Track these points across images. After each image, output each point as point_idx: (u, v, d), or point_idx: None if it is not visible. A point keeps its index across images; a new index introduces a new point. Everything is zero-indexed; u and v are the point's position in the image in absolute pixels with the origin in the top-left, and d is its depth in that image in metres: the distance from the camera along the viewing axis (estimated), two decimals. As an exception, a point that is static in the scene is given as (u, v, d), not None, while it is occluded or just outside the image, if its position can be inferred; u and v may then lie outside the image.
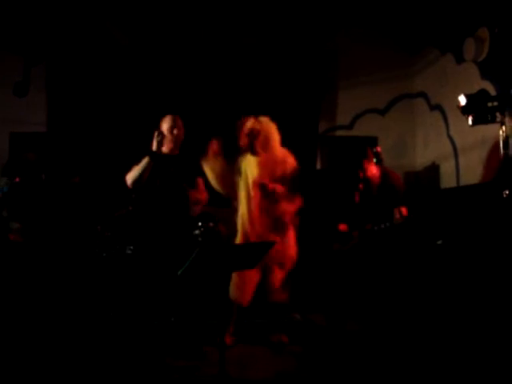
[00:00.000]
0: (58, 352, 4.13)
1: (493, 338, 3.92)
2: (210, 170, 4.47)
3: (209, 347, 4.11)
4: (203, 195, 4.40)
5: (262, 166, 4.40)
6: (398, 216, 4.39)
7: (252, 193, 4.39)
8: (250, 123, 4.46)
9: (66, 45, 6.46)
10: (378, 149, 4.77)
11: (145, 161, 4.13)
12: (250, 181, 4.42)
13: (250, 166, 4.48)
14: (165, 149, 4.33)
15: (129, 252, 5.17)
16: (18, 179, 5.10)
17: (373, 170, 4.72)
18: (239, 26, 6.40)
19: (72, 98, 6.47)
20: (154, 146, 4.10)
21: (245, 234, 4.39)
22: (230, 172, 4.51)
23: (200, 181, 4.41)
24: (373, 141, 6.44)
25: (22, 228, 5.20)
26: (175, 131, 4.31)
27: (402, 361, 3.83)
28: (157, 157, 4.13)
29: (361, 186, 4.72)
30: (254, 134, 4.42)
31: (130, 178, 4.22)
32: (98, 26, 6.39)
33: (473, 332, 4.17)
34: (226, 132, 4.54)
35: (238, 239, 4.43)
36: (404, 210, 4.41)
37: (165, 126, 4.34)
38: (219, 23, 6.40)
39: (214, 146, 4.47)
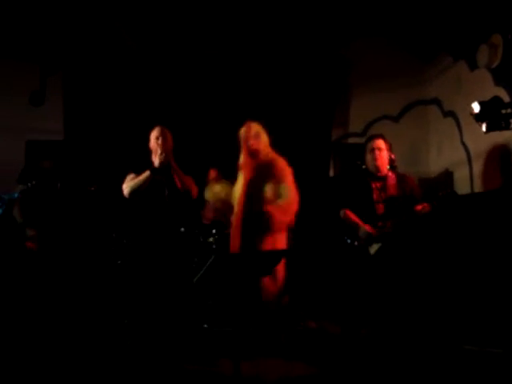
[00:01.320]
0: (72, 356, 4.17)
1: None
2: (213, 195, 4.53)
3: (222, 356, 4.12)
4: (194, 187, 4.43)
5: (262, 167, 4.43)
6: (421, 210, 4.38)
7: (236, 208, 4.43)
8: (255, 126, 4.52)
9: (81, 53, 6.54)
10: (392, 155, 4.78)
11: (145, 175, 4.22)
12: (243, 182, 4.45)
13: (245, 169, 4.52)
14: (154, 159, 4.42)
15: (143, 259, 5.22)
16: (31, 184, 5.15)
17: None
18: (254, 34, 6.43)
19: (88, 106, 6.54)
20: (156, 163, 4.16)
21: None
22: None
23: (190, 178, 4.44)
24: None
25: (38, 235, 5.26)
26: (160, 141, 4.36)
27: (421, 373, 3.80)
28: (157, 172, 4.17)
29: (378, 183, 4.68)
30: (258, 137, 4.47)
31: (127, 188, 4.32)
32: (113, 35, 6.47)
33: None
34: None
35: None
36: (426, 206, 4.41)
37: (152, 136, 4.44)
38: (234, 29, 6.43)
39: (213, 174, 4.54)
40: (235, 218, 4.41)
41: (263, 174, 4.40)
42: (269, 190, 4.34)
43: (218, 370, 3.92)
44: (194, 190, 4.40)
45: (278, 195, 4.33)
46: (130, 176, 4.38)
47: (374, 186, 4.66)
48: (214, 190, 4.56)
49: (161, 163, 4.31)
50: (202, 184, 4.64)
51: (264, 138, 4.50)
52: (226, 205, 4.56)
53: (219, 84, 6.52)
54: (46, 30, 6.35)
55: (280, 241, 4.35)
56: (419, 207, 4.42)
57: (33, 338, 4.59)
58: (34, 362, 4.00)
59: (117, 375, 3.83)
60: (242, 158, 4.55)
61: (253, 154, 4.50)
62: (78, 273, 5.62)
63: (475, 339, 4.26)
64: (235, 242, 4.35)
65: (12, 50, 6.47)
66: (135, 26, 6.47)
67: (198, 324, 4.47)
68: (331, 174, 6.73)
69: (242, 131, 4.53)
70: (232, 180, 4.57)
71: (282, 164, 4.46)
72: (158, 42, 6.55)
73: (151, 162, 4.45)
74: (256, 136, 4.49)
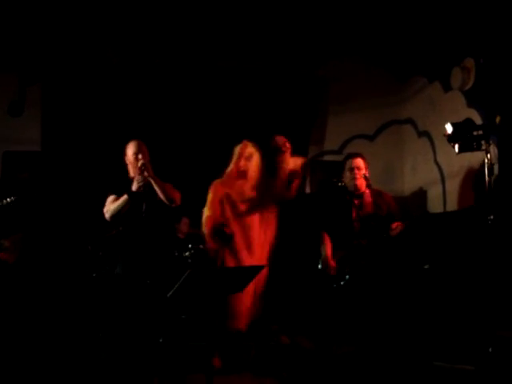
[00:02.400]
0: (43, 367, 4.14)
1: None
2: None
3: (194, 372, 4.12)
4: (177, 194, 4.40)
5: (256, 189, 4.53)
6: (394, 230, 4.45)
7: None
8: (249, 147, 4.62)
9: (60, 64, 6.52)
10: (366, 172, 4.83)
11: (123, 199, 4.18)
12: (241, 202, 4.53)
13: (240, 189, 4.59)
14: (131, 174, 4.38)
15: (118, 272, 5.21)
16: (10, 200, 5.11)
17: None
18: (230, 52, 6.50)
19: (66, 117, 6.51)
20: (135, 187, 4.17)
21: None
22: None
23: (170, 185, 4.43)
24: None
25: (11, 246, 5.22)
26: (140, 156, 4.31)
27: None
28: (135, 196, 4.18)
29: (356, 201, 4.73)
30: (250, 159, 4.55)
31: (108, 212, 4.27)
32: (92, 46, 6.48)
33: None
34: (217, 156, 4.66)
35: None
36: (399, 225, 4.48)
37: (129, 152, 4.37)
38: (209, 48, 6.50)
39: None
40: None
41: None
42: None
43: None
44: (177, 197, 4.39)
45: None
46: (110, 198, 4.34)
47: (352, 204, 4.71)
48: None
49: (143, 182, 4.28)
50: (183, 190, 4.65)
51: (255, 161, 4.59)
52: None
53: (198, 100, 6.55)
54: (26, 40, 6.35)
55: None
56: (393, 225, 4.49)
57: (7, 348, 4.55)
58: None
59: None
60: (229, 174, 4.64)
61: (240, 174, 4.58)
62: (53, 285, 5.58)
63: (446, 356, 4.32)
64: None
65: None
66: (116, 39, 6.50)
67: (168, 338, 4.46)
68: (307, 190, 6.79)
69: (238, 148, 4.62)
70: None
71: None
72: (139, 55, 6.59)
73: (128, 177, 4.44)
74: (248, 157, 4.58)
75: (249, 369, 4.31)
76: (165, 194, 4.26)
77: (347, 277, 4.45)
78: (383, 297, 4.57)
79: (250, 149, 4.63)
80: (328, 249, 4.64)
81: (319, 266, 4.64)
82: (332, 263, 4.54)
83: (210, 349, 4.14)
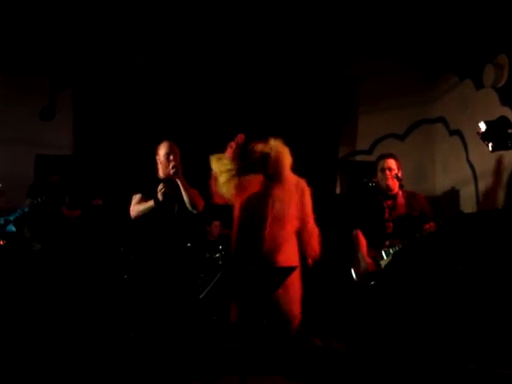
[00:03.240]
0: (79, 368, 4.18)
1: None
2: (222, 170, 4.51)
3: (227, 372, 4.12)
4: (200, 201, 4.42)
5: (279, 189, 4.46)
6: (427, 230, 4.41)
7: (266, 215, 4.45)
8: (260, 146, 4.54)
9: (91, 69, 6.61)
10: (399, 173, 4.79)
11: (149, 204, 4.22)
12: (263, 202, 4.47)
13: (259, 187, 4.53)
14: (161, 174, 4.42)
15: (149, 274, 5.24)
16: (40, 200, 5.19)
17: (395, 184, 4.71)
18: (259, 53, 6.50)
19: (97, 121, 6.60)
20: (160, 196, 4.19)
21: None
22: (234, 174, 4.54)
23: (196, 192, 4.44)
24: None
25: (43, 249, 5.30)
26: (171, 157, 4.36)
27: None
28: (160, 204, 4.20)
29: (389, 202, 4.70)
30: (265, 158, 4.49)
31: (133, 212, 4.33)
32: (122, 51, 6.55)
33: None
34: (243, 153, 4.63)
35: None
36: (432, 225, 4.44)
37: (161, 152, 4.41)
38: (238, 49, 6.51)
39: (237, 143, 4.55)
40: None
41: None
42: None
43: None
44: (200, 204, 4.40)
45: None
46: (137, 197, 4.37)
47: (385, 204, 4.68)
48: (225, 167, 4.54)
49: (170, 177, 4.32)
50: (208, 196, 4.66)
51: (273, 157, 4.50)
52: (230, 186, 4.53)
53: (228, 101, 6.57)
54: (57, 45, 6.45)
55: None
56: (426, 226, 4.44)
57: (36, 350, 4.60)
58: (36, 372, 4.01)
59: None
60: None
61: (264, 174, 4.52)
62: (86, 287, 5.64)
63: (482, 359, 4.25)
64: None
65: (22, 65, 6.54)
66: (144, 43, 6.56)
67: (203, 340, 4.47)
68: (338, 191, 6.76)
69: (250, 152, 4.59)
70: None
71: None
72: (167, 58, 6.63)
73: (156, 177, 4.47)
74: (260, 158, 4.51)
75: (281, 371, 4.29)
76: (189, 199, 4.28)
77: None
78: (415, 298, 4.52)
79: (259, 147, 4.55)
80: (363, 247, 4.64)
81: (352, 271, 4.64)
82: (369, 260, 4.55)
83: (244, 350, 4.13)
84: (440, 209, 6.56)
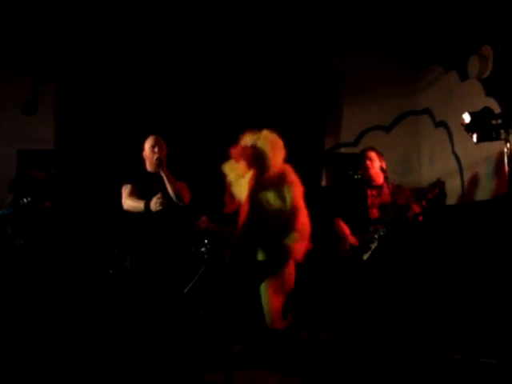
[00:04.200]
0: (62, 365, 4.15)
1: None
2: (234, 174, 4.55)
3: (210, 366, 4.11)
4: (187, 194, 4.43)
5: (259, 179, 4.45)
6: (410, 212, 4.51)
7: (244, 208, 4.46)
8: (248, 136, 4.52)
9: (73, 63, 6.53)
10: (383, 165, 4.85)
11: (140, 207, 4.22)
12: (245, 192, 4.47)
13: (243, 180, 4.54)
14: (149, 168, 4.46)
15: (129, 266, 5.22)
16: (27, 200, 5.11)
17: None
18: (245, 44, 6.46)
19: (79, 115, 6.52)
20: (153, 206, 4.15)
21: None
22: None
23: (183, 184, 4.46)
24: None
25: (25, 244, 5.24)
26: (156, 149, 4.39)
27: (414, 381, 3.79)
28: (150, 210, 4.19)
29: (374, 191, 4.79)
30: (248, 147, 4.46)
31: (126, 205, 4.34)
32: (106, 45, 6.47)
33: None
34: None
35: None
36: (416, 207, 4.52)
37: (147, 146, 4.47)
38: (224, 41, 6.46)
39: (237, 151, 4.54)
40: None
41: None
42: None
43: (208, 381, 3.90)
44: (187, 197, 4.41)
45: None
46: (127, 188, 4.37)
47: (369, 193, 4.78)
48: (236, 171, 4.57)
49: (154, 170, 4.33)
50: (196, 190, 4.65)
51: (259, 147, 4.50)
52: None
53: (212, 94, 6.52)
54: (39, 39, 6.35)
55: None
56: (410, 209, 4.52)
57: (20, 346, 4.57)
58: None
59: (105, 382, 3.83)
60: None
61: (249, 164, 4.51)
62: (70, 282, 5.59)
63: (467, 348, 4.26)
64: None
65: (4, 59, 6.46)
66: (129, 36, 6.49)
67: (188, 334, 4.45)
68: (323, 183, 6.75)
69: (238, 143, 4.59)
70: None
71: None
72: (152, 51, 6.56)
73: (145, 170, 4.46)
74: (245, 147, 4.50)
75: (268, 365, 4.29)
76: (174, 191, 4.29)
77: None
78: (403, 285, 4.56)
79: (248, 138, 4.55)
80: (345, 229, 4.75)
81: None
82: (352, 238, 4.66)
83: (229, 345, 4.11)
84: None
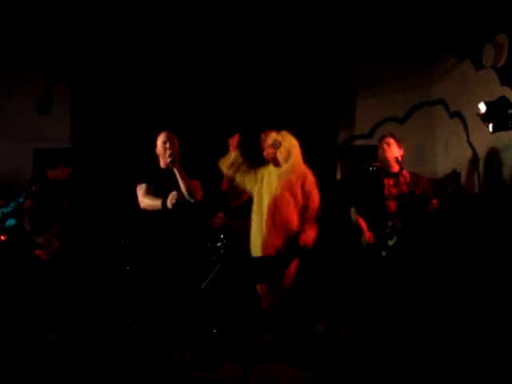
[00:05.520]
0: (79, 360, 4.20)
1: None
2: (230, 165, 4.68)
3: (226, 359, 4.14)
4: (199, 192, 4.45)
5: (283, 178, 4.56)
6: (430, 208, 4.50)
7: (268, 206, 4.53)
8: (273, 135, 4.63)
9: (87, 60, 6.55)
10: (399, 154, 4.82)
11: (158, 205, 4.25)
12: (269, 192, 4.58)
13: (270, 177, 4.64)
14: (162, 165, 4.48)
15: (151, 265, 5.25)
16: (35, 188, 5.15)
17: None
18: (256, 39, 6.44)
19: (94, 113, 6.56)
20: (169, 204, 4.18)
21: (258, 242, 4.63)
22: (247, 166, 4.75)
23: (197, 182, 4.48)
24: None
25: (44, 243, 5.28)
26: (167, 145, 4.40)
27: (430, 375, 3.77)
28: (167, 209, 4.23)
29: (390, 181, 4.77)
30: (276, 146, 4.58)
31: (143, 204, 4.39)
32: (119, 41, 6.50)
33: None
34: (247, 144, 4.69)
35: (253, 246, 4.62)
36: (436, 203, 4.49)
37: (159, 142, 4.49)
38: (240, 34, 6.45)
39: (235, 140, 4.71)
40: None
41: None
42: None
43: (225, 376, 3.92)
44: (199, 194, 4.43)
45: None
46: (143, 187, 4.40)
47: (386, 182, 4.76)
48: (232, 160, 4.74)
49: (167, 166, 4.35)
50: (210, 188, 4.69)
51: (285, 147, 4.62)
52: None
53: (226, 88, 6.52)
54: (52, 37, 6.39)
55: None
56: (430, 205, 4.49)
57: (38, 344, 4.62)
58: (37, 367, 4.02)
59: (124, 379, 3.86)
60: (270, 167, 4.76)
61: (273, 162, 4.72)
62: (88, 279, 5.64)
63: (486, 341, 4.24)
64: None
65: (18, 58, 6.49)
66: (141, 32, 6.51)
67: (206, 329, 4.48)
68: (338, 176, 6.73)
69: (262, 141, 4.71)
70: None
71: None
72: (165, 47, 6.57)
73: (158, 167, 4.48)
74: (272, 145, 4.63)
75: (285, 358, 4.30)
76: (186, 188, 4.30)
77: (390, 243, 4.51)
78: (421, 279, 4.55)
79: (273, 136, 4.70)
80: (362, 223, 4.74)
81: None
82: (368, 234, 4.63)
83: (246, 339, 4.12)
84: (442, 187, 6.54)
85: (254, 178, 4.75)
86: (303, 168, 4.72)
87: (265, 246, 4.58)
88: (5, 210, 5.10)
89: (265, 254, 4.52)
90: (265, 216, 4.63)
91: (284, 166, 4.66)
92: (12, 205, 5.11)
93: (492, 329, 4.36)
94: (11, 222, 5.15)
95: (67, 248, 5.52)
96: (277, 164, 4.70)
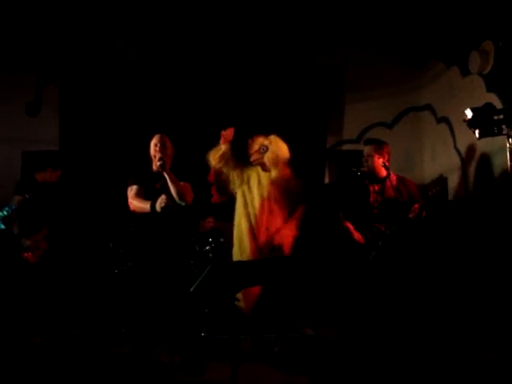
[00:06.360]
0: (68, 363, 4.19)
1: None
2: (219, 157, 4.68)
3: (214, 362, 4.14)
4: (190, 194, 4.47)
5: (275, 183, 4.57)
6: (412, 212, 4.52)
7: (257, 208, 4.53)
8: (259, 140, 4.64)
9: (76, 63, 6.55)
10: (386, 160, 4.85)
11: (146, 208, 4.26)
12: (259, 195, 4.58)
13: (259, 180, 4.65)
14: (154, 167, 4.47)
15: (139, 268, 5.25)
16: (28, 195, 5.16)
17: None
18: (245, 44, 6.47)
19: (84, 115, 6.54)
20: (158, 207, 4.19)
21: (242, 246, 4.62)
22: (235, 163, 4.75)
23: (187, 185, 4.49)
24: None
25: (33, 245, 5.27)
26: (157, 148, 4.41)
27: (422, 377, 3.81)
28: (155, 212, 4.23)
29: (376, 187, 4.80)
30: (263, 151, 4.60)
31: (132, 206, 4.39)
32: (108, 44, 6.50)
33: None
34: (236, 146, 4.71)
35: (236, 250, 4.63)
36: (417, 207, 4.51)
37: (152, 144, 4.49)
38: (224, 40, 6.48)
39: (229, 133, 4.71)
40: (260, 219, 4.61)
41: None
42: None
43: (213, 379, 3.93)
44: (189, 197, 4.44)
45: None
46: (133, 189, 4.40)
47: (371, 188, 4.79)
48: (222, 151, 4.72)
49: (157, 169, 4.36)
50: (200, 191, 4.69)
51: (271, 151, 4.64)
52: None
53: (216, 92, 6.53)
54: (41, 40, 6.38)
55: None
56: (412, 209, 4.52)
57: (26, 347, 4.60)
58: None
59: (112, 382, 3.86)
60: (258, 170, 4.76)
61: (262, 166, 4.72)
62: (76, 282, 5.63)
63: (477, 345, 4.28)
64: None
65: (8, 60, 6.47)
66: (131, 36, 6.51)
67: (194, 332, 4.48)
68: (326, 181, 6.76)
69: (249, 147, 4.72)
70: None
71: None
72: (155, 50, 6.58)
73: (149, 170, 4.49)
74: (259, 150, 4.64)
75: (273, 361, 4.31)
76: (176, 191, 4.31)
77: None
78: (407, 284, 4.58)
79: (260, 141, 4.72)
80: (349, 225, 4.78)
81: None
82: (357, 234, 4.68)
83: (233, 341, 4.14)
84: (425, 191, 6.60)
85: (240, 176, 4.73)
86: (289, 172, 4.73)
87: (253, 249, 4.57)
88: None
89: (254, 257, 4.52)
90: (253, 219, 4.63)
91: (273, 171, 4.67)
92: (4, 211, 5.10)
93: (475, 330, 4.41)
94: (0, 225, 5.14)
95: (55, 251, 5.51)
96: (265, 169, 4.71)
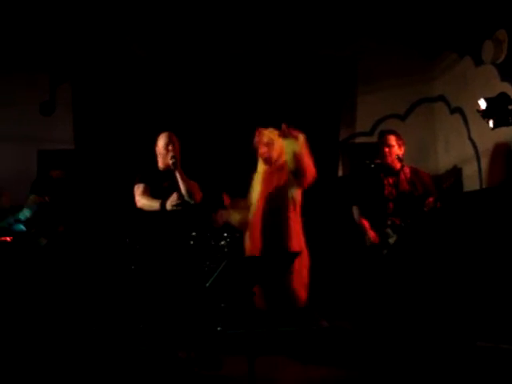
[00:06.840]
0: (83, 360, 4.24)
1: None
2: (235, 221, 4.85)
3: (231, 357, 4.17)
4: (198, 193, 4.50)
5: (265, 179, 4.57)
6: (427, 206, 4.51)
7: (256, 207, 4.63)
8: (266, 132, 4.63)
9: (90, 62, 6.59)
10: (400, 152, 4.83)
11: (156, 206, 4.29)
12: (255, 195, 4.61)
13: (257, 180, 4.69)
14: (161, 165, 4.49)
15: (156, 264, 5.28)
16: (47, 198, 5.19)
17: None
18: (256, 37, 6.47)
19: (97, 113, 6.59)
20: (169, 206, 4.22)
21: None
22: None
23: (195, 184, 4.51)
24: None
25: (49, 243, 5.32)
26: (170, 147, 4.41)
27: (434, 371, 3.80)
28: (165, 210, 4.27)
29: (391, 179, 4.78)
30: (271, 145, 4.59)
31: (139, 204, 4.43)
32: (121, 43, 6.53)
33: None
34: (248, 142, 4.71)
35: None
36: (431, 201, 4.51)
37: (160, 143, 4.49)
38: (236, 34, 6.48)
39: (227, 200, 4.86)
40: (254, 220, 4.65)
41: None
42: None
43: (230, 374, 3.95)
44: (198, 196, 4.46)
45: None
46: (140, 187, 4.42)
47: (386, 182, 4.76)
48: (236, 218, 4.88)
49: (166, 167, 4.38)
50: (209, 190, 4.72)
51: (278, 145, 4.63)
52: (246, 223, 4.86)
53: (226, 86, 6.54)
54: (55, 40, 6.43)
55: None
56: (426, 203, 4.51)
57: (45, 347, 4.65)
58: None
59: (129, 378, 3.90)
60: (259, 165, 4.75)
61: (266, 160, 4.64)
62: (93, 278, 5.67)
63: (489, 336, 4.27)
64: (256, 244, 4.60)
65: (22, 61, 6.53)
66: (143, 34, 6.54)
67: (211, 327, 4.51)
68: (340, 174, 6.75)
69: (255, 139, 4.69)
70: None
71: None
72: (167, 49, 6.60)
73: (156, 167, 4.51)
74: (268, 143, 4.63)
75: (289, 353, 4.33)
76: (186, 190, 4.32)
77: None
78: (422, 275, 4.57)
79: (268, 134, 4.70)
80: (365, 223, 4.76)
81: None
82: (372, 234, 4.65)
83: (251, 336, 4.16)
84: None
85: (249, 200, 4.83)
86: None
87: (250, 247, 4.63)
88: (19, 217, 5.15)
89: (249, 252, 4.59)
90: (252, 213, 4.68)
91: (274, 164, 4.69)
92: (26, 213, 5.15)
93: (494, 324, 4.38)
94: (20, 226, 5.19)
95: (72, 248, 5.56)
96: (269, 163, 4.70)
